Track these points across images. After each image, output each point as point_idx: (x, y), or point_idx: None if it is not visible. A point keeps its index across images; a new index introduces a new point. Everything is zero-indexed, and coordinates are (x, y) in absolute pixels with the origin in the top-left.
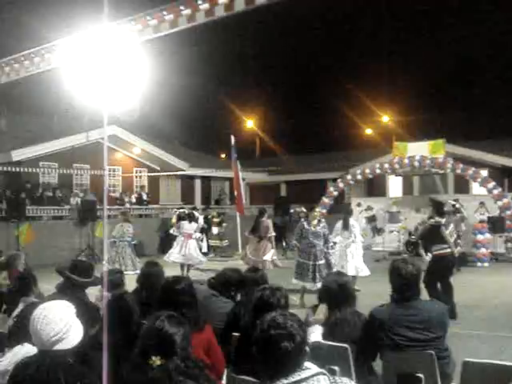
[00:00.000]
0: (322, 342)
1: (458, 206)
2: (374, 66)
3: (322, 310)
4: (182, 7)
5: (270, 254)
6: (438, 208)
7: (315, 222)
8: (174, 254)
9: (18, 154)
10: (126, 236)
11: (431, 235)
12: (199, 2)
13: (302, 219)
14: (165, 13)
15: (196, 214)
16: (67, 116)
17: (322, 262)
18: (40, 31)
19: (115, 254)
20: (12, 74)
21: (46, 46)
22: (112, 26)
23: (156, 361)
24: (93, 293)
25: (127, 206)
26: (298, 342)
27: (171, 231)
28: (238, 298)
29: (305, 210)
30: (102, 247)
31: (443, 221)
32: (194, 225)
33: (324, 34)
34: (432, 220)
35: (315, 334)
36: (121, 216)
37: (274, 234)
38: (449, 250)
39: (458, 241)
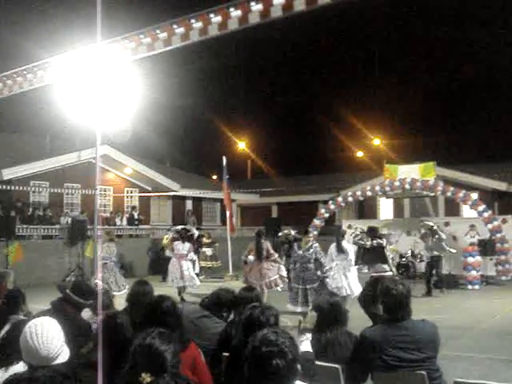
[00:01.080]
0: (312, 352)
1: (435, 228)
2: (365, 90)
3: (311, 318)
4: (175, 26)
5: (283, 271)
6: (372, 233)
7: (307, 246)
8: (177, 280)
9: (8, 173)
10: (112, 256)
11: (374, 255)
12: (192, 21)
13: (295, 244)
14: (158, 31)
15: (193, 230)
16: (59, 135)
17: (315, 285)
18: (33, 50)
19: (104, 274)
20: (5, 90)
21: (38, 63)
22: (105, 45)
23: (146, 378)
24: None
25: (118, 226)
26: (289, 359)
27: (167, 253)
28: (231, 318)
29: (293, 233)
30: (92, 267)
31: (384, 242)
32: (186, 245)
33: (316, 58)
34: (375, 241)
35: (305, 343)
36: (105, 236)
37: (276, 255)
38: (389, 273)
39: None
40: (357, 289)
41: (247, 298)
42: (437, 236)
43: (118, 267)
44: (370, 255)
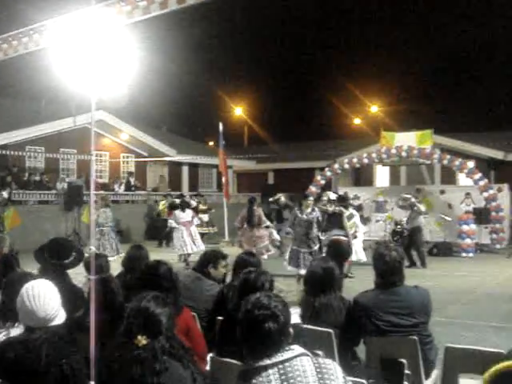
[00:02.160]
0: (302, 324)
1: (413, 200)
2: (362, 57)
3: (299, 293)
4: None
5: (274, 235)
6: (342, 201)
7: (309, 209)
8: (188, 246)
9: (3, 138)
10: (108, 221)
11: (333, 221)
12: None
13: (296, 208)
14: None
15: (192, 201)
16: (55, 100)
17: (317, 247)
18: (27, 12)
19: (100, 239)
20: (0, 54)
21: (34, 26)
22: (100, 7)
23: (142, 340)
24: (78, 277)
25: (116, 192)
26: (281, 322)
27: (169, 224)
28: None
29: (283, 199)
30: (88, 232)
31: (347, 212)
32: (188, 212)
33: (313, 24)
34: (337, 208)
35: (293, 317)
36: (101, 202)
37: (268, 222)
38: (345, 238)
39: (357, 233)
40: (362, 254)
41: (247, 263)
42: (415, 208)
43: (114, 232)
44: (330, 221)
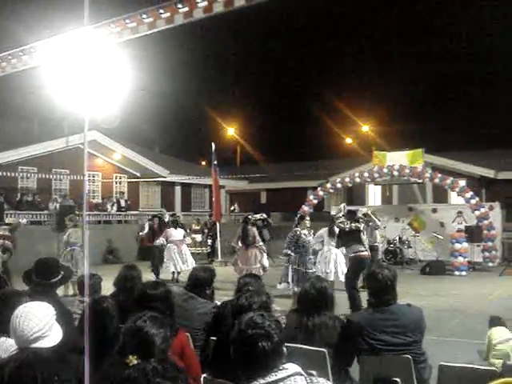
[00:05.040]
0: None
1: (369, 213)
2: (354, 77)
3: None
4: (161, 11)
5: (266, 260)
6: (350, 215)
7: (306, 231)
8: (173, 264)
9: None
10: (79, 241)
11: (351, 237)
12: (179, 6)
13: (297, 228)
14: (144, 16)
15: (164, 216)
16: (47, 121)
17: (312, 270)
18: (18, 33)
19: (72, 260)
20: None
21: (24, 47)
22: (91, 29)
23: (132, 360)
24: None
25: (108, 212)
26: (275, 341)
27: (159, 242)
28: (212, 297)
29: (264, 217)
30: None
31: (362, 226)
32: (180, 231)
33: (306, 45)
34: (353, 225)
35: None
36: (69, 222)
37: (261, 242)
38: (366, 253)
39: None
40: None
41: (249, 285)
42: (371, 224)
43: (83, 252)
44: (347, 237)
